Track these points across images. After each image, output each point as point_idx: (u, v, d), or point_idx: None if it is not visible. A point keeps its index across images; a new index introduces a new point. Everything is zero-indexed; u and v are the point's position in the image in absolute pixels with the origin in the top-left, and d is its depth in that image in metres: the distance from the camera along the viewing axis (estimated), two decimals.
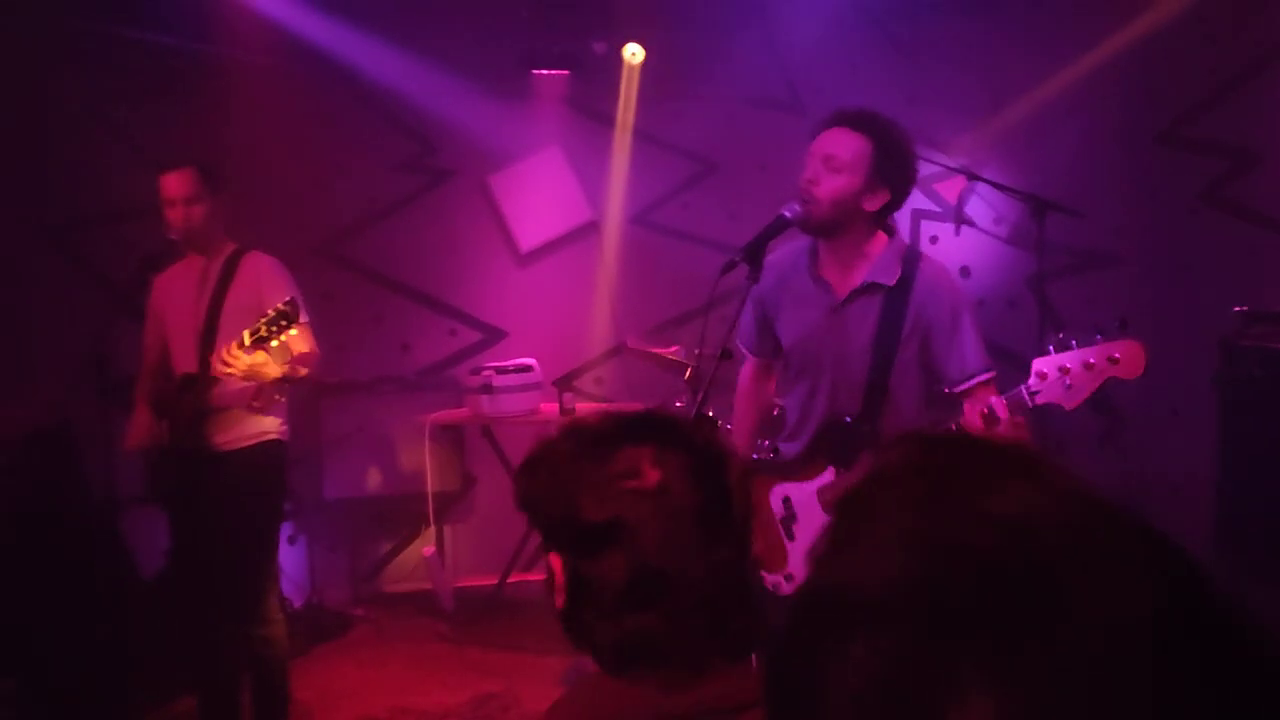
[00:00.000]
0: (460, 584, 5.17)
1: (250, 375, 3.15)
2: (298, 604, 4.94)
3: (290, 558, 5.09)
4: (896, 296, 2.48)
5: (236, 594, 3.39)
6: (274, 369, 3.18)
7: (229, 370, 3.12)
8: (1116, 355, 2.22)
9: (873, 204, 2.45)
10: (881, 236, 2.53)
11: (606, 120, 5.49)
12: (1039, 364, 2.29)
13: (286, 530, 5.15)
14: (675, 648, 1.12)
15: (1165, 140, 5.56)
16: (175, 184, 3.33)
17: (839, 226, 2.47)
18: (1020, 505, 0.51)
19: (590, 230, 5.62)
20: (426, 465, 4.94)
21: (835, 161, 2.42)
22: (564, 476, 1.17)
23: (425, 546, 5.12)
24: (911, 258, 2.52)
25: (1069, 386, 2.24)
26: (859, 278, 2.51)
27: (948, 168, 5.07)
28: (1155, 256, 5.53)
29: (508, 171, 5.55)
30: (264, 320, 3.10)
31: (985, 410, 2.31)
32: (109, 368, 4.10)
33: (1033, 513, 0.50)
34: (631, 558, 1.12)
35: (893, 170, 2.45)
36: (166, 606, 4.09)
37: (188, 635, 3.55)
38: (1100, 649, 0.45)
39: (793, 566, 2.59)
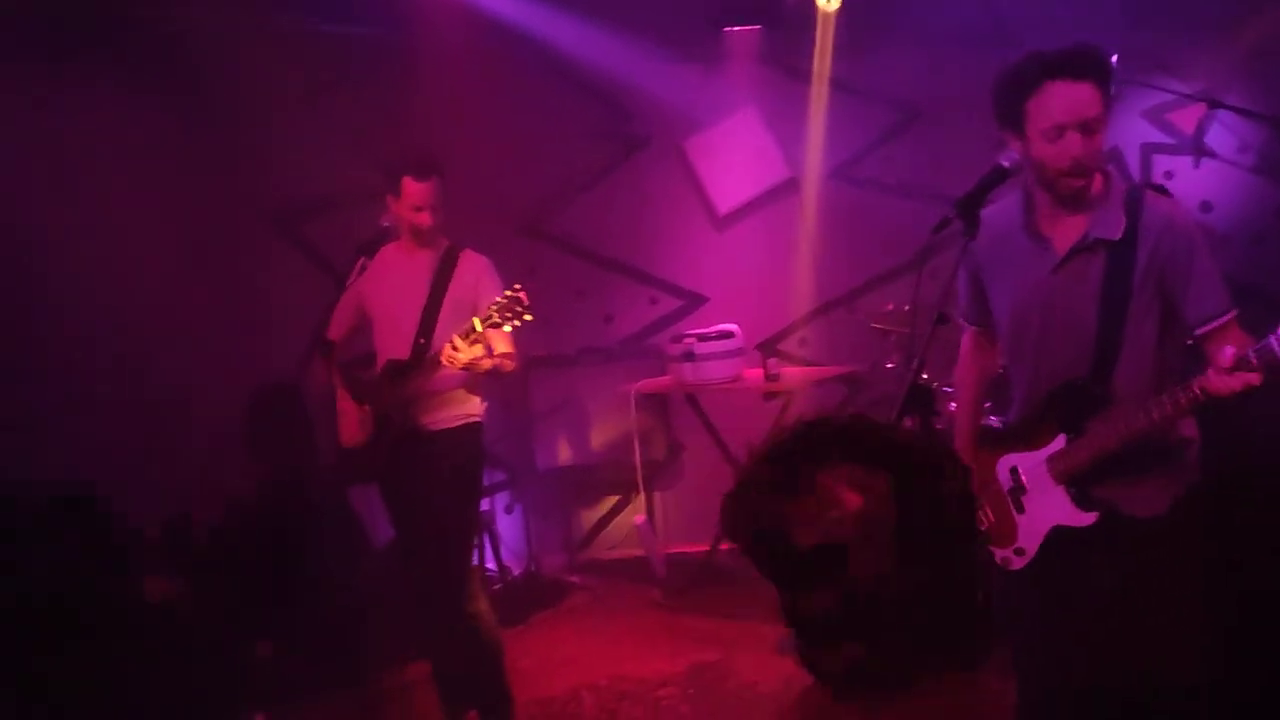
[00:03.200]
0: (671, 550, 5.18)
1: (469, 366, 3.29)
2: (516, 572, 5.09)
3: (508, 527, 5.25)
4: (1123, 247, 2.28)
5: (443, 571, 3.51)
6: (487, 361, 3.33)
7: (456, 357, 3.25)
8: None
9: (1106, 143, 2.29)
10: (1099, 177, 2.34)
11: (802, 74, 5.29)
12: None
13: (503, 500, 5.34)
14: (883, 671, 1.10)
15: None
16: (426, 193, 3.44)
17: None
18: None
19: (789, 188, 5.46)
20: (633, 434, 4.97)
21: (1092, 124, 2.25)
22: (768, 507, 1.14)
23: (636, 514, 5.15)
24: (1134, 198, 2.31)
25: None
26: (1079, 230, 2.33)
27: (1183, 95, 4.61)
28: None
29: (703, 134, 5.46)
30: (495, 307, 3.25)
31: (1233, 359, 2.06)
32: (333, 350, 4.30)
33: None
34: (840, 586, 1.10)
35: (1112, 103, 2.28)
36: (395, 575, 4.31)
37: (412, 606, 3.70)
38: None
39: (1023, 540, 2.44)
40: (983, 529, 2.52)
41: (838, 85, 5.27)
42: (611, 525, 5.55)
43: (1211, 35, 4.97)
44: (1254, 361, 2.04)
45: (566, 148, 5.40)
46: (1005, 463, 2.48)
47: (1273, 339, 2.03)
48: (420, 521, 3.52)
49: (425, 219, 3.45)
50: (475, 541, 3.66)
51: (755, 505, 1.15)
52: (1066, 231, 2.34)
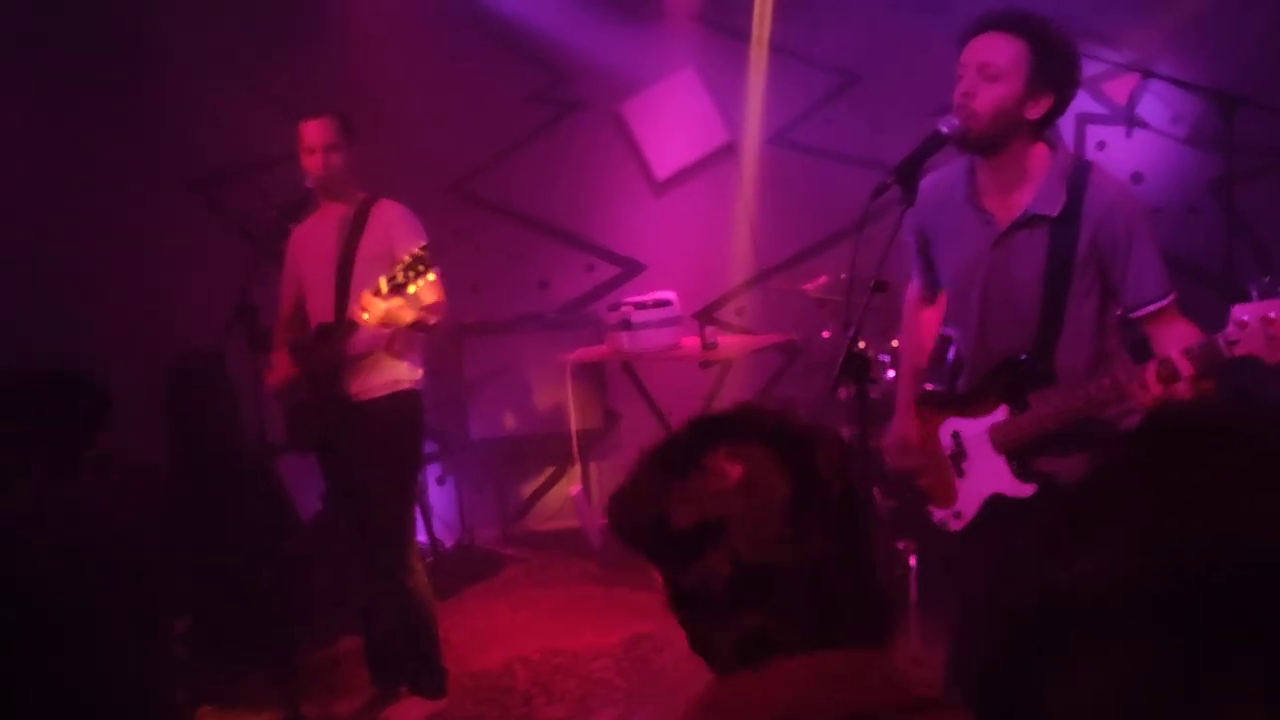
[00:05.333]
0: (607, 522, 5.13)
1: (386, 322, 3.19)
2: (449, 544, 5.01)
3: (440, 498, 5.17)
4: (1065, 224, 2.28)
5: (380, 542, 3.44)
6: (408, 315, 3.21)
7: (366, 317, 3.14)
8: None
9: (1035, 111, 2.25)
10: (1043, 150, 2.33)
11: (741, 36, 5.22)
12: (1239, 311, 2.00)
13: (435, 471, 5.25)
14: (788, 642, 1.08)
15: None
16: (315, 131, 3.35)
17: (1001, 140, 2.28)
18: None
19: (727, 153, 5.40)
20: (569, 403, 4.90)
21: (991, 69, 2.22)
22: (649, 493, 1.15)
23: (572, 485, 5.09)
24: (1078, 175, 2.30)
25: (1272, 338, 1.96)
26: (1021, 205, 2.32)
27: (1116, 64, 4.62)
28: None
29: (640, 97, 5.36)
30: (400, 266, 3.13)
31: (1162, 367, 2.07)
32: (257, 318, 4.17)
33: None
34: (727, 559, 1.09)
35: (1054, 71, 2.24)
36: (325, 549, 4.22)
37: (345, 579, 3.63)
38: None
39: (961, 504, 2.47)
40: (922, 487, 2.54)
41: (776, 49, 5.21)
42: (547, 496, 5.49)
43: (1147, 5, 4.99)
44: (1182, 372, 2.04)
45: (501, 110, 5.27)
46: (947, 427, 2.50)
47: (1219, 338, 2.03)
48: (356, 492, 3.44)
49: (315, 163, 3.33)
50: (412, 515, 3.57)
51: (641, 497, 1.15)
52: (1008, 206, 2.34)
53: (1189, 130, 5.13)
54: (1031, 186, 2.30)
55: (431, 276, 3.14)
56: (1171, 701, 0.43)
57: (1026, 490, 2.35)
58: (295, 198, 3.57)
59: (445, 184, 5.23)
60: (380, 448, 3.39)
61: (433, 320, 3.31)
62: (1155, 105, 5.14)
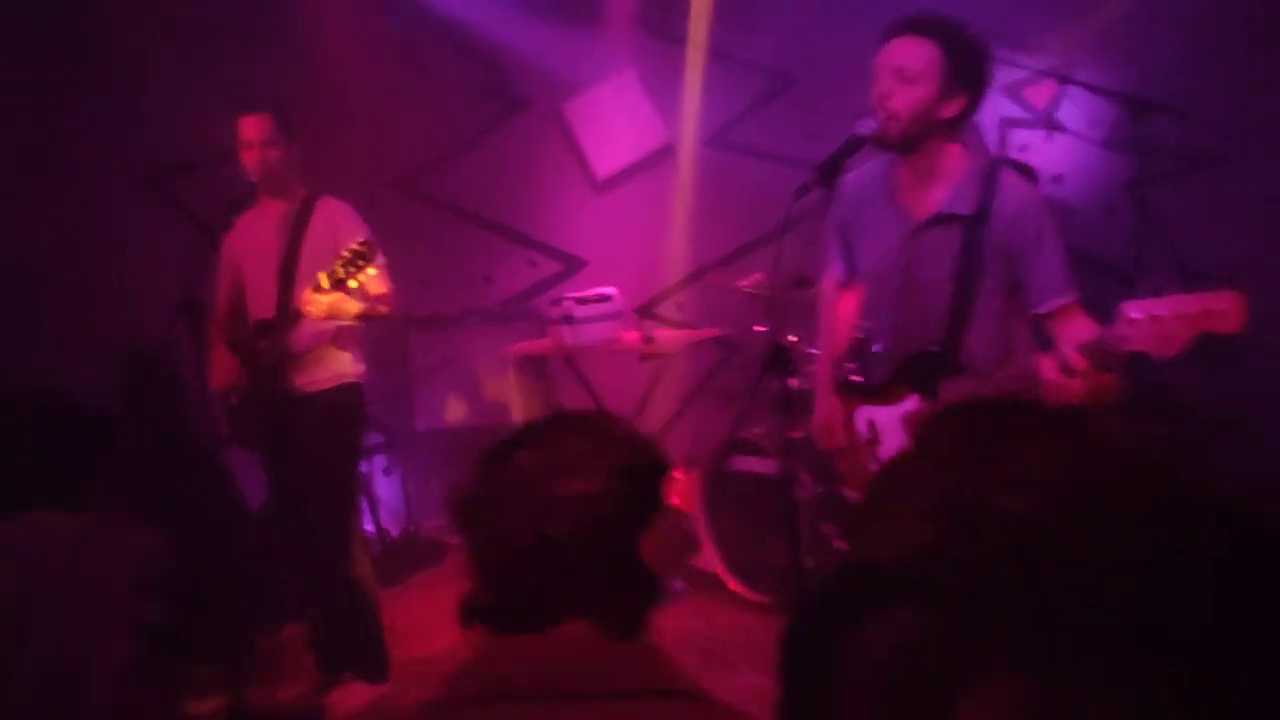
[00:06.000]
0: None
1: (330, 315, 3.21)
2: (395, 534, 5.08)
3: (386, 488, 5.24)
4: (976, 223, 2.39)
5: (324, 533, 3.49)
6: (353, 306, 3.22)
7: (309, 312, 3.17)
8: (1214, 308, 1.98)
9: (950, 110, 2.36)
10: (958, 150, 2.44)
11: (680, 39, 5.36)
12: (1128, 308, 2.08)
13: (381, 462, 5.32)
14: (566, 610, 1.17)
15: (1273, 27, 5.19)
16: (252, 127, 3.36)
17: (917, 140, 2.40)
18: (1057, 468, 0.47)
19: (667, 154, 5.53)
20: (513, 396, 4.99)
21: (906, 72, 2.33)
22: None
23: None
24: (991, 176, 2.41)
25: (1161, 335, 2.03)
26: (936, 202, 2.43)
27: (1037, 70, 4.83)
28: (1267, 157, 5.21)
29: (582, 98, 5.48)
30: (339, 262, 3.15)
31: (1059, 359, 2.17)
32: (203, 311, 4.21)
33: (1064, 475, 0.46)
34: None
35: (967, 72, 2.35)
36: (271, 538, 4.27)
37: (289, 569, 3.67)
38: (1145, 627, 0.42)
39: None
40: (840, 471, 2.68)
41: (713, 52, 5.35)
42: None
43: (1065, 13, 5.21)
44: (1075, 366, 2.11)
45: (445, 108, 5.35)
46: (863, 414, 2.61)
47: (1109, 334, 2.10)
48: (299, 486, 3.47)
49: (253, 158, 3.34)
50: (357, 505, 3.61)
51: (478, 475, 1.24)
52: (923, 203, 2.45)
53: (1106, 134, 5.36)
54: (946, 185, 2.41)
55: (373, 270, 3.16)
56: (928, 669, 0.44)
57: None
58: (243, 191, 3.59)
59: (391, 181, 5.30)
60: (324, 440, 3.43)
61: (383, 310, 3.33)
62: (1074, 110, 5.36)
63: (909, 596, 0.46)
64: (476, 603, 1.19)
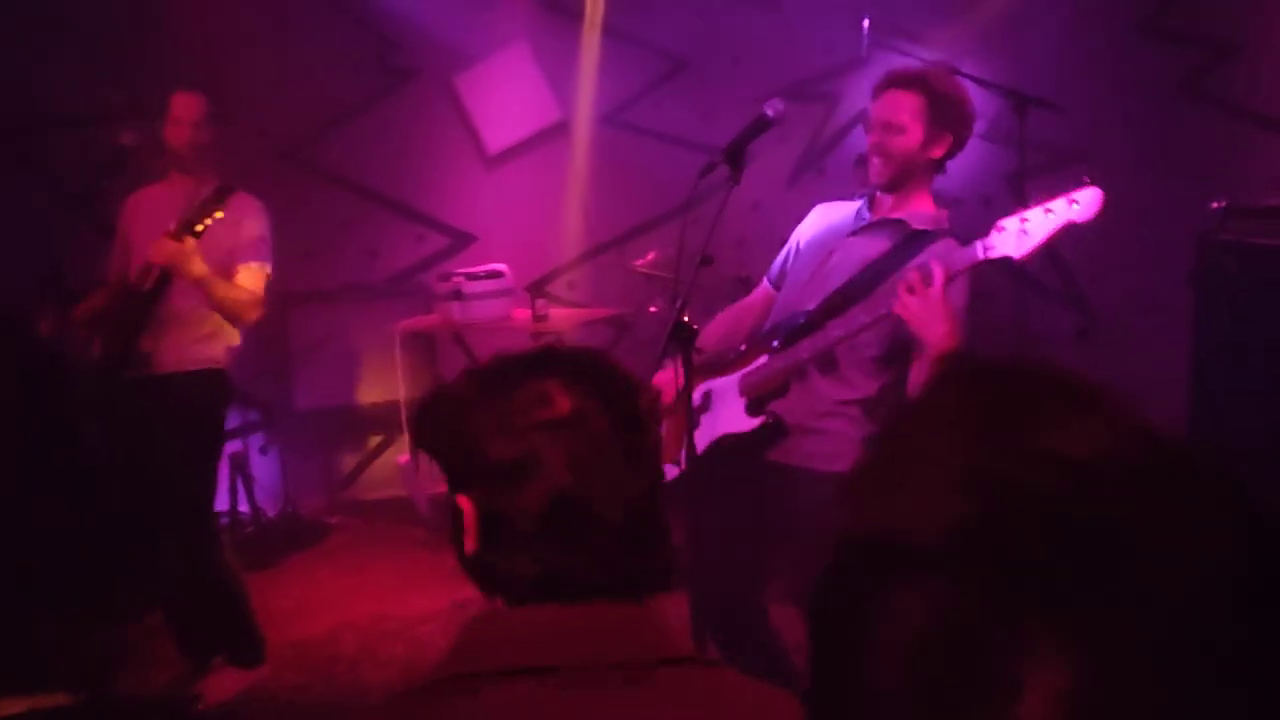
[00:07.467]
0: (436, 490, 5.16)
1: (170, 261, 3.13)
2: (272, 514, 4.93)
3: (263, 468, 5.06)
4: (906, 244, 2.54)
5: (183, 517, 3.38)
6: (198, 266, 3.14)
7: (152, 255, 3.14)
8: (1074, 200, 2.25)
9: (938, 150, 2.57)
10: (929, 199, 2.61)
11: (574, 14, 5.29)
12: (1002, 221, 2.30)
13: (258, 440, 5.13)
14: (591, 580, 1.08)
15: (1148, 31, 5.44)
16: (187, 105, 3.35)
17: (906, 177, 2.59)
18: (1087, 443, 0.46)
19: (560, 131, 5.47)
20: (398, 373, 4.89)
21: (895, 124, 2.54)
22: (466, 416, 1.10)
23: (400, 454, 5.08)
24: (935, 237, 2.55)
25: (1023, 234, 2.26)
26: (895, 212, 2.60)
27: (925, 62, 4.93)
28: (1135, 151, 5.45)
29: (474, 70, 5.37)
30: (195, 205, 3.15)
31: (922, 270, 2.30)
32: (66, 280, 3.98)
33: (1100, 452, 0.46)
34: (548, 488, 1.07)
35: (949, 115, 2.56)
36: (137, 520, 4.09)
37: (141, 555, 3.56)
38: (1180, 605, 0.41)
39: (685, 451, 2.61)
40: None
41: (609, 31, 5.31)
42: (374, 465, 5.45)
43: (953, 7, 5.35)
44: (935, 275, 2.26)
45: (332, 76, 5.18)
46: (702, 388, 2.67)
47: (978, 243, 2.30)
48: (154, 474, 3.35)
49: (181, 135, 3.33)
50: (213, 497, 3.49)
51: (456, 410, 1.12)
52: (884, 211, 2.63)
53: (987, 127, 5.52)
54: (908, 210, 2.59)
55: (220, 214, 3.15)
56: (973, 647, 0.43)
57: (753, 424, 2.56)
58: (113, 155, 3.46)
59: (277, 150, 5.10)
60: (186, 424, 3.33)
61: (236, 294, 3.27)
62: None
63: (941, 567, 0.45)
64: (497, 571, 1.10)
